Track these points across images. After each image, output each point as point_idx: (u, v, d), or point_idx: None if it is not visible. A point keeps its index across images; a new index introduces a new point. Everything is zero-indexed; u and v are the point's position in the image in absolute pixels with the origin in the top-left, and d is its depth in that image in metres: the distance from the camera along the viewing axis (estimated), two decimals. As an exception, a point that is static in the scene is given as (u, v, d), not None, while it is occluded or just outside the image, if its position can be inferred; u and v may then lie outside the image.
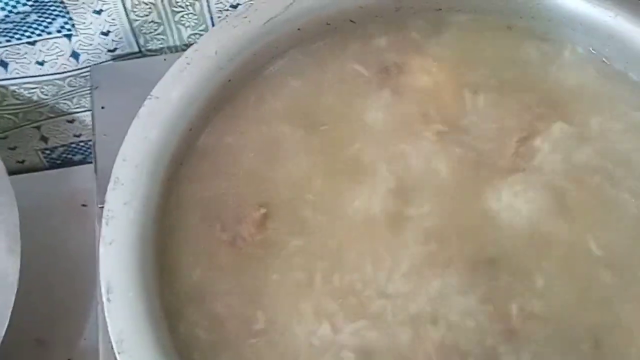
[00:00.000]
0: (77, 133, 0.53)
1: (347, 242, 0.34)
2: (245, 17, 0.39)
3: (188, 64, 0.37)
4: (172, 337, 0.30)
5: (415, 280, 0.32)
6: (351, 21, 0.41)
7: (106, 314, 0.30)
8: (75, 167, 0.54)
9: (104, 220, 0.32)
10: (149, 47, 0.49)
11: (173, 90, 0.36)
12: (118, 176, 0.33)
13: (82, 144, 0.55)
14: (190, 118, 0.36)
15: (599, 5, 0.38)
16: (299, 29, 0.40)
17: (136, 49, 0.49)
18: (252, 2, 0.41)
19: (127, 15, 0.46)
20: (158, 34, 0.48)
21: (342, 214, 0.34)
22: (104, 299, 0.30)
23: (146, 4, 0.46)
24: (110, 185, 0.33)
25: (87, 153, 0.56)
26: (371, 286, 0.32)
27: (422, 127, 0.37)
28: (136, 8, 0.46)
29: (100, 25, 0.46)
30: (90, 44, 0.47)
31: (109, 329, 0.29)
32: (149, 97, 0.36)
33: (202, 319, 0.32)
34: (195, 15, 0.47)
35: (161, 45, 0.49)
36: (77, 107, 0.52)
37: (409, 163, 0.36)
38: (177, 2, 0.46)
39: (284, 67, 0.40)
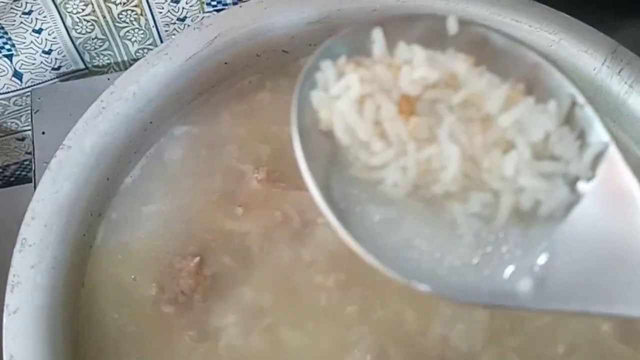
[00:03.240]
0: (29, 150, 0.54)
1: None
2: (166, 54, 0.36)
3: (103, 108, 0.36)
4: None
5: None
6: (283, 51, 0.38)
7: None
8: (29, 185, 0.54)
9: (8, 287, 0.31)
10: (96, 64, 0.48)
11: (86, 139, 0.35)
12: (25, 237, 0.33)
13: (35, 161, 0.55)
14: (107, 167, 0.35)
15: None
16: (226, 63, 0.37)
17: (82, 66, 0.48)
18: (173, 36, 0.39)
19: (68, 33, 0.45)
20: (104, 50, 0.48)
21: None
22: (6, 373, 0.30)
23: (87, 20, 0.45)
24: (17, 247, 0.33)
25: (41, 170, 0.56)
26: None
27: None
28: (77, 25, 0.45)
29: (41, 44, 0.46)
30: (33, 63, 0.47)
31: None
32: (60, 146, 0.35)
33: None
34: (141, 29, 0.46)
35: (108, 61, 0.49)
36: (27, 125, 0.52)
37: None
38: (121, 17, 0.45)
39: (213, 102, 0.38)
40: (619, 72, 0.35)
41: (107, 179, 0.36)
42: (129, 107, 0.36)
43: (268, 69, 0.39)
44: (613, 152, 0.23)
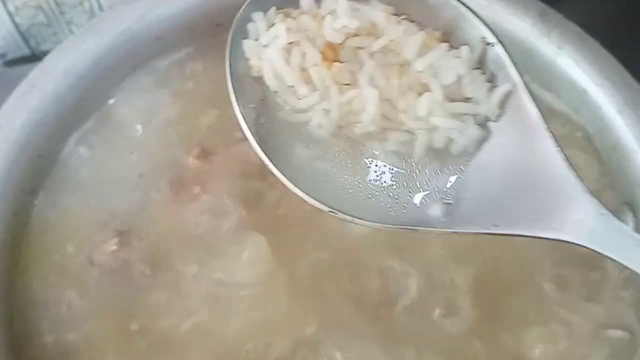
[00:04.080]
0: None
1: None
2: (96, 30, 0.37)
3: (33, 85, 0.36)
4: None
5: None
6: (217, 25, 0.39)
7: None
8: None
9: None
10: (42, 50, 0.48)
11: (16, 116, 0.35)
12: (-42, 215, 0.33)
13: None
14: (38, 144, 0.35)
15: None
16: (158, 38, 0.38)
17: (28, 52, 0.48)
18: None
19: (11, 18, 0.45)
20: (50, 35, 0.47)
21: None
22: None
23: (31, 6, 0.45)
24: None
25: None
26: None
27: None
28: (20, 11, 0.45)
29: None
30: None
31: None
32: (-12, 123, 0.34)
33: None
34: (86, 14, 0.46)
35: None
36: None
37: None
38: (64, 2, 0.45)
39: (146, 81, 0.38)
40: (548, 34, 0.36)
41: (40, 156, 0.36)
42: (58, 84, 0.36)
43: (202, 42, 0.39)
44: (520, 90, 0.25)
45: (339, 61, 0.25)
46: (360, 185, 0.25)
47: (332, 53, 0.25)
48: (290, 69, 0.25)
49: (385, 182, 0.25)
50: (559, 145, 0.25)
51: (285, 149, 0.26)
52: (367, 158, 0.26)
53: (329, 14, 0.26)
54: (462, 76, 0.25)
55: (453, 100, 0.25)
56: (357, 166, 0.26)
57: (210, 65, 0.39)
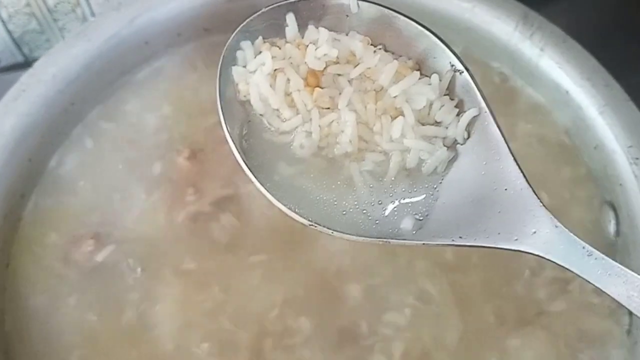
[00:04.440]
0: None
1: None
2: (85, 36, 0.38)
3: (23, 90, 0.37)
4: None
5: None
6: (204, 29, 0.40)
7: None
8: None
9: None
10: (35, 56, 0.49)
11: (6, 121, 0.36)
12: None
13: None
14: (28, 148, 0.37)
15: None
16: (146, 43, 0.39)
17: (21, 59, 0.49)
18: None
19: (4, 26, 0.46)
20: (43, 42, 0.48)
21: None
22: None
23: (24, 13, 0.46)
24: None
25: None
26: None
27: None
28: (13, 18, 0.46)
29: None
30: None
31: None
32: (-22, 128, 0.35)
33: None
34: (78, 21, 0.47)
35: None
36: None
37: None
38: (57, 8, 0.46)
39: (135, 85, 0.40)
40: (530, 36, 0.38)
41: (30, 160, 0.37)
42: (48, 89, 0.37)
43: (189, 47, 0.40)
44: (485, 114, 0.27)
45: (320, 87, 0.27)
46: (336, 203, 0.28)
47: (314, 79, 0.27)
48: (275, 94, 0.28)
49: (359, 199, 0.28)
50: (518, 165, 0.27)
51: (269, 166, 0.28)
52: (345, 176, 0.28)
53: (311, 43, 0.28)
54: (432, 101, 0.28)
55: (424, 124, 0.28)
56: (333, 185, 0.28)
57: (197, 69, 0.40)
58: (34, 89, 0.37)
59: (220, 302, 0.33)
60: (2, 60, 0.47)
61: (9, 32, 0.46)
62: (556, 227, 0.26)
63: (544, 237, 0.26)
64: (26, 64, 0.48)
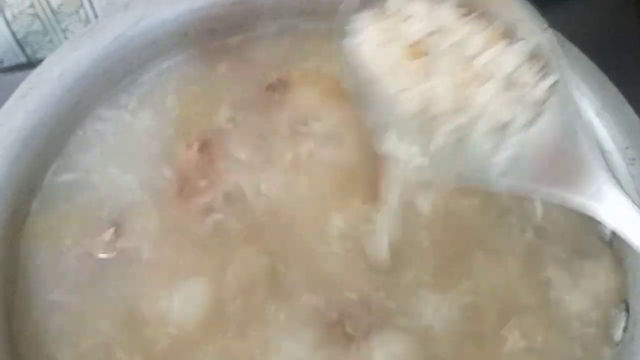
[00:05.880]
0: None
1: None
2: (92, 35, 0.38)
3: (31, 88, 0.37)
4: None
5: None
6: (210, 30, 0.41)
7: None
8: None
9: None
10: (38, 57, 0.49)
11: (15, 119, 0.36)
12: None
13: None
14: (37, 146, 0.37)
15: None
16: (153, 42, 0.40)
17: (24, 60, 0.49)
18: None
19: (8, 26, 0.46)
20: (46, 43, 0.48)
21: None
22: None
23: (28, 14, 0.46)
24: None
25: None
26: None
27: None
28: (17, 19, 0.46)
29: None
30: None
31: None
32: (-14, 126, 0.36)
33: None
34: (81, 22, 0.47)
35: None
36: None
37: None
38: (61, 9, 0.47)
39: (143, 83, 0.40)
40: None
41: (37, 156, 0.37)
42: (55, 87, 0.37)
43: (196, 47, 0.41)
44: (565, 78, 0.31)
45: (420, 56, 0.31)
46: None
47: (414, 49, 0.31)
48: (381, 64, 0.32)
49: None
50: (589, 128, 0.32)
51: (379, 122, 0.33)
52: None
53: (411, 15, 0.32)
54: (519, 66, 0.31)
55: (511, 87, 0.31)
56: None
57: (202, 69, 0.41)
58: (41, 87, 0.37)
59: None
60: (4, 60, 0.47)
61: (12, 32, 0.46)
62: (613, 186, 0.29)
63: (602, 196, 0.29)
64: (29, 64, 0.48)
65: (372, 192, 0.36)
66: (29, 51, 0.48)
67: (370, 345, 0.33)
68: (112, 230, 0.36)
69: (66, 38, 0.48)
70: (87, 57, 0.38)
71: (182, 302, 0.34)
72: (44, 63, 0.38)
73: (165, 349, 0.33)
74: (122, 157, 0.38)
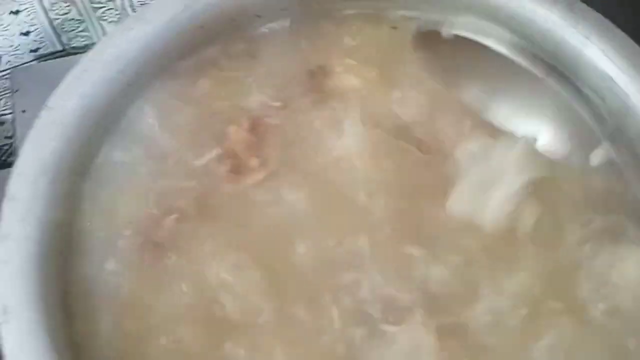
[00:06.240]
0: (9, 134, 0.54)
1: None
2: (144, 18, 0.39)
3: (85, 70, 0.38)
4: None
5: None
6: (257, 16, 0.41)
7: (3, 335, 0.31)
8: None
9: (-2, 241, 0.33)
10: (73, 45, 0.51)
11: (69, 100, 0.37)
12: (13, 192, 0.34)
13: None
14: (89, 127, 0.37)
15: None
16: (201, 27, 0.40)
17: (59, 48, 0.50)
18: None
19: (46, 14, 0.48)
20: (81, 32, 0.50)
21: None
22: (1, 321, 0.31)
23: (65, 1, 0.47)
24: (5, 202, 0.34)
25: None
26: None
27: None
28: (55, 6, 0.47)
29: (19, 25, 0.48)
30: (11, 45, 0.49)
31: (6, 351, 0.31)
32: (43, 107, 0.36)
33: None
34: (116, 10, 0.49)
35: (85, 43, 0.51)
36: (5, 109, 0.53)
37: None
38: None
39: (191, 68, 0.41)
40: (576, 25, 0.39)
41: (90, 139, 0.37)
42: (108, 70, 0.38)
43: (242, 33, 0.41)
44: None
45: None
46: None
47: None
48: None
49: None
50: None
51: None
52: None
53: None
54: None
55: None
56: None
57: (251, 56, 0.41)
58: (94, 69, 0.37)
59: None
60: (41, 48, 0.49)
61: (49, 20, 0.47)
62: None
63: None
64: (64, 52, 0.50)
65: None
66: (64, 39, 0.49)
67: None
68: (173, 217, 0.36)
69: (101, 27, 0.49)
70: (140, 41, 0.39)
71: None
72: (96, 46, 0.38)
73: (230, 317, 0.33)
74: (173, 138, 0.38)
